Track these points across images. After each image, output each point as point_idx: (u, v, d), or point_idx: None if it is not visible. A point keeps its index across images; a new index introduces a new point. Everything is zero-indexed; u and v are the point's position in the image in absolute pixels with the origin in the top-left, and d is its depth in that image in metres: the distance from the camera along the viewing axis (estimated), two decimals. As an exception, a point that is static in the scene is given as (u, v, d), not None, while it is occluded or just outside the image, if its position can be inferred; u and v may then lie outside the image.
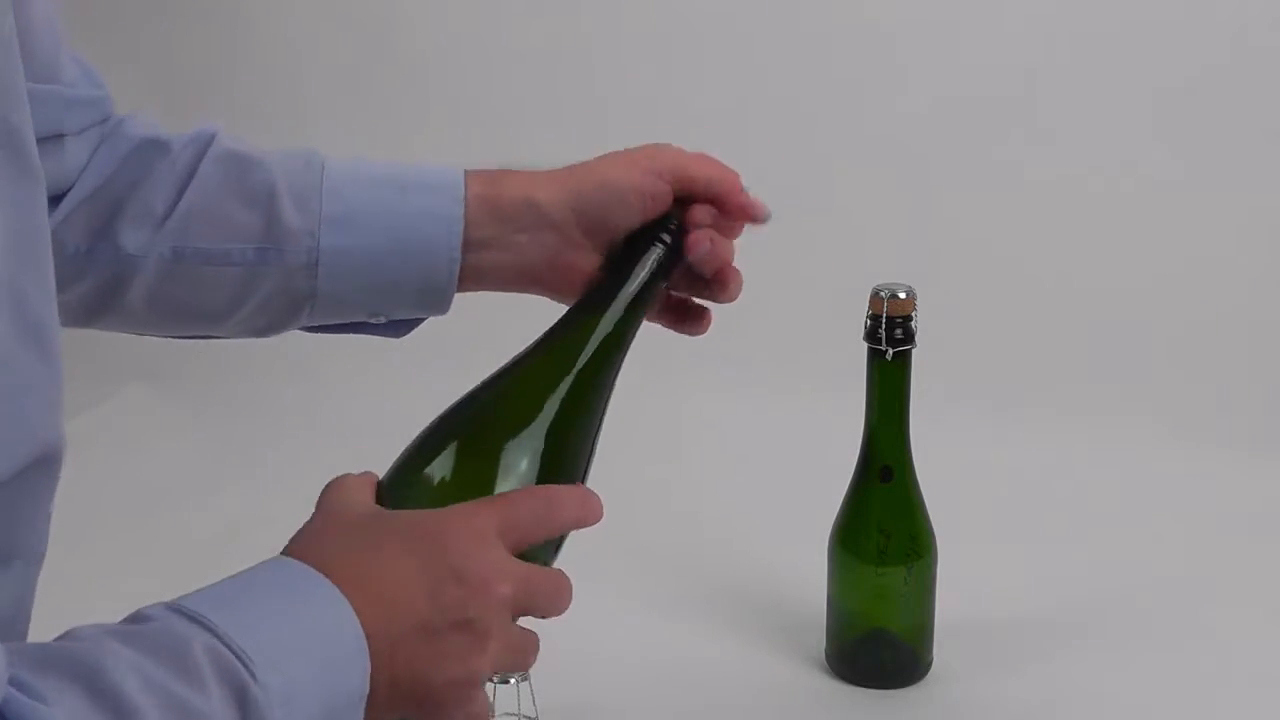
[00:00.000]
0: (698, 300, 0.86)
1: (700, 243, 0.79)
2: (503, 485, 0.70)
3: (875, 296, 0.96)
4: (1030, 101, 1.44)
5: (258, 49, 1.68)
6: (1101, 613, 1.11)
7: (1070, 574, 1.17)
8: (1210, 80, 1.39)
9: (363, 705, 0.60)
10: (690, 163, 0.81)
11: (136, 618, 0.57)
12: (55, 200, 0.79)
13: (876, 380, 0.98)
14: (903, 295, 0.95)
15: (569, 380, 0.73)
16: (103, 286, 0.81)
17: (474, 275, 0.82)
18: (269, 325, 0.84)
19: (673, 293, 0.85)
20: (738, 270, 0.82)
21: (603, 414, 0.75)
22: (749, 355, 1.46)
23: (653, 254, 0.78)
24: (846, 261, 1.34)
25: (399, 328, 0.86)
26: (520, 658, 0.67)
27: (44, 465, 0.58)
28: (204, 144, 0.82)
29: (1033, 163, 1.45)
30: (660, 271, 0.79)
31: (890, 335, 0.96)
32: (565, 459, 0.72)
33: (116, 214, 0.80)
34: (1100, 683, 1.02)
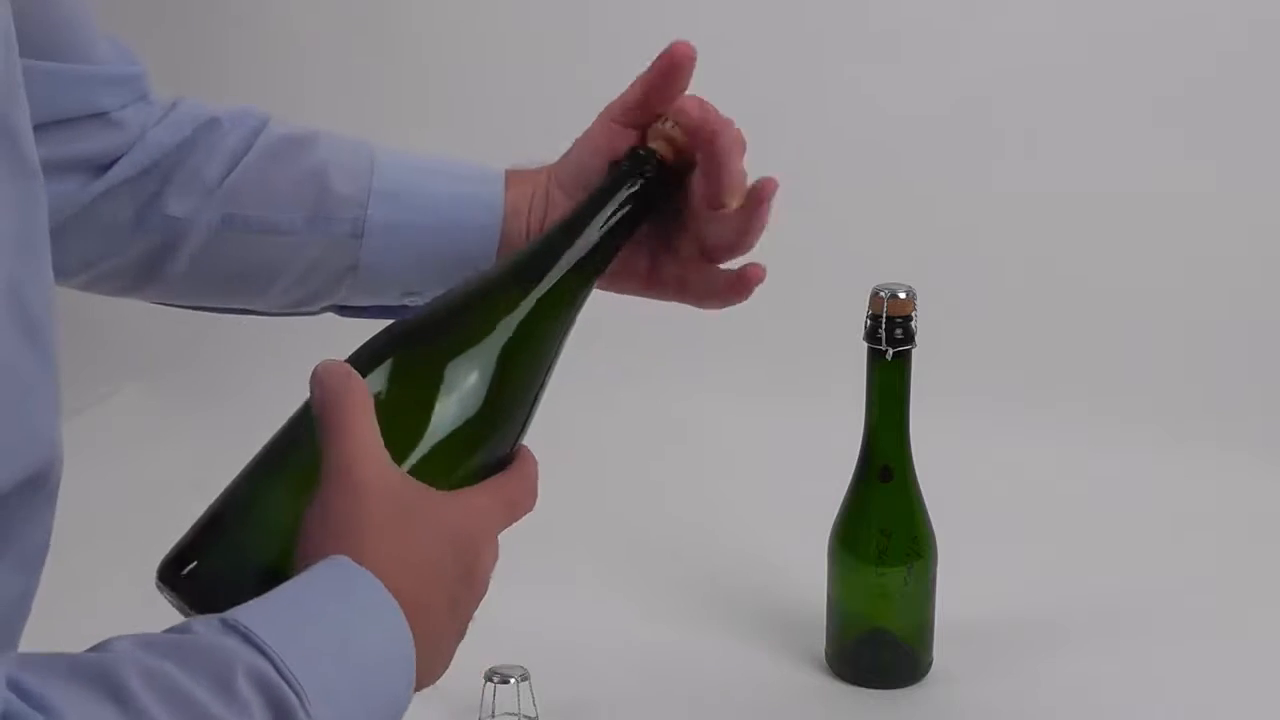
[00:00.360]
0: (724, 267, 0.81)
1: (689, 106, 0.78)
2: (442, 409, 0.67)
3: (875, 296, 0.96)
4: (1031, 102, 1.45)
5: (255, 47, 1.68)
6: (1101, 612, 1.11)
7: (1070, 574, 1.17)
8: (1212, 82, 1.39)
9: (403, 713, 0.60)
10: (622, 96, 0.83)
11: (185, 629, 0.56)
12: (101, 171, 0.80)
13: (876, 380, 0.98)
14: (903, 295, 0.95)
15: (531, 299, 0.71)
16: (150, 254, 0.82)
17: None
18: (306, 298, 0.85)
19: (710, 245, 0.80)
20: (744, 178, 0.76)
21: (559, 347, 0.72)
22: (749, 355, 1.46)
23: (631, 183, 0.75)
24: (846, 261, 1.34)
25: None
26: None
27: (44, 474, 0.58)
28: (254, 128, 0.84)
29: (1033, 163, 1.45)
30: (638, 202, 0.75)
31: (890, 335, 0.96)
32: (517, 383, 0.70)
33: (164, 186, 0.82)
34: (1100, 683, 1.02)
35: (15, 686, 0.49)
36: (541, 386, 0.72)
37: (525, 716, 0.93)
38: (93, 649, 0.54)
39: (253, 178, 0.82)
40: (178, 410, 1.55)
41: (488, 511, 0.66)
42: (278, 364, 1.54)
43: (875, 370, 0.98)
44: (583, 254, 0.73)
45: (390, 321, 0.84)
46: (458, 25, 1.61)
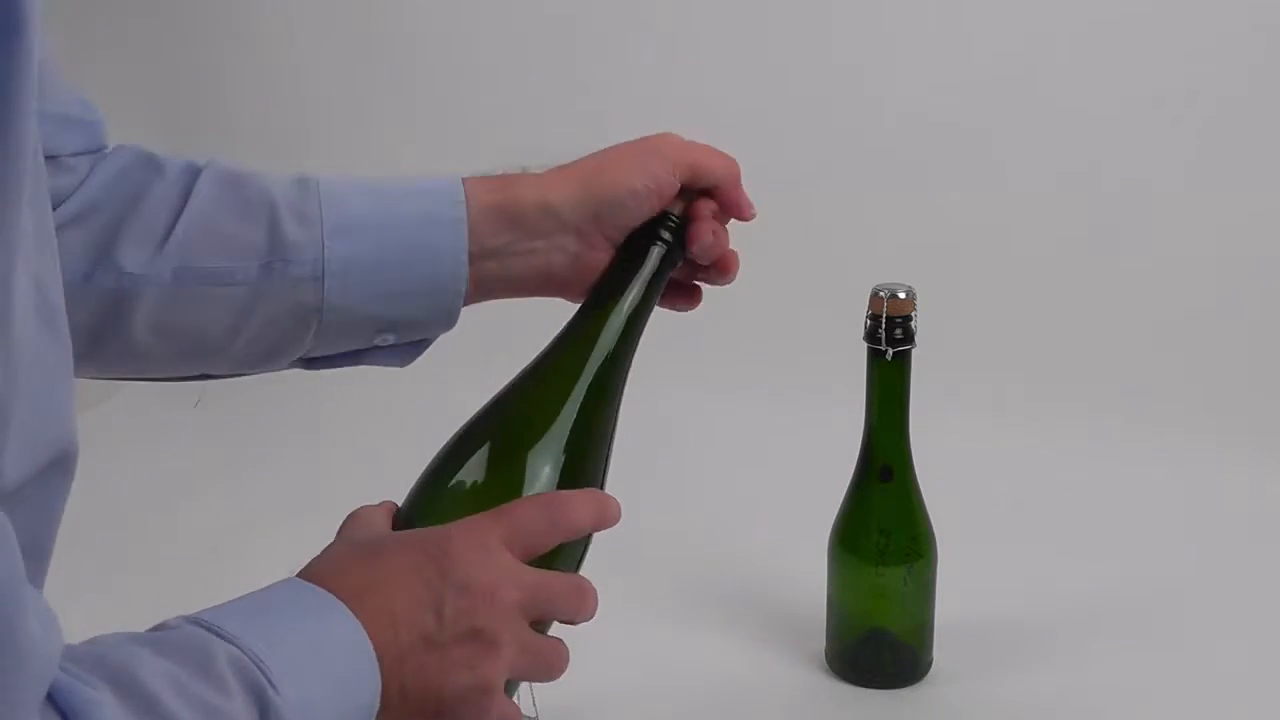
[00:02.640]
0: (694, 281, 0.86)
1: (704, 235, 0.80)
2: (532, 486, 0.71)
3: (875, 296, 0.96)
4: (1030, 101, 1.44)
5: (256, 55, 1.68)
6: (1101, 612, 1.11)
7: (1070, 574, 1.17)
8: (1213, 81, 1.39)
9: (373, 718, 0.61)
10: (696, 154, 0.81)
11: (159, 628, 0.58)
12: None
13: (876, 380, 0.98)
14: (903, 295, 0.95)
15: (580, 387, 0.73)
16: (103, 313, 0.78)
17: (493, 283, 0.81)
18: (273, 350, 0.81)
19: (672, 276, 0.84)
20: (735, 253, 0.84)
21: (616, 414, 0.75)
22: (749, 355, 1.46)
23: (655, 253, 0.79)
24: (846, 261, 1.34)
25: (404, 354, 0.83)
26: (543, 663, 0.68)
27: (65, 460, 0.59)
28: (198, 166, 0.80)
29: (1033, 162, 1.45)
30: (664, 268, 0.79)
31: (890, 335, 0.96)
32: (580, 463, 0.73)
33: (116, 234, 0.78)
34: (1100, 682, 1.02)
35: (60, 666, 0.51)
36: (608, 450, 0.75)
37: (525, 717, 0.93)
38: (84, 645, 0.55)
39: (199, 222, 0.78)
40: (178, 410, 1.55)
41: (477, 523, 0.67)
42: (278, 364, 1.55)
43: (875, 370, 0.98)
44: (636, 324, 0.77)
45: (359, 366, 0.84)
46: (455, 28, 1.61)
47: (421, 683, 0.63)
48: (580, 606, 0.69)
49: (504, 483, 0.71)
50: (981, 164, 1.46)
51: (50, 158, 0.75)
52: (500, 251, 0.80)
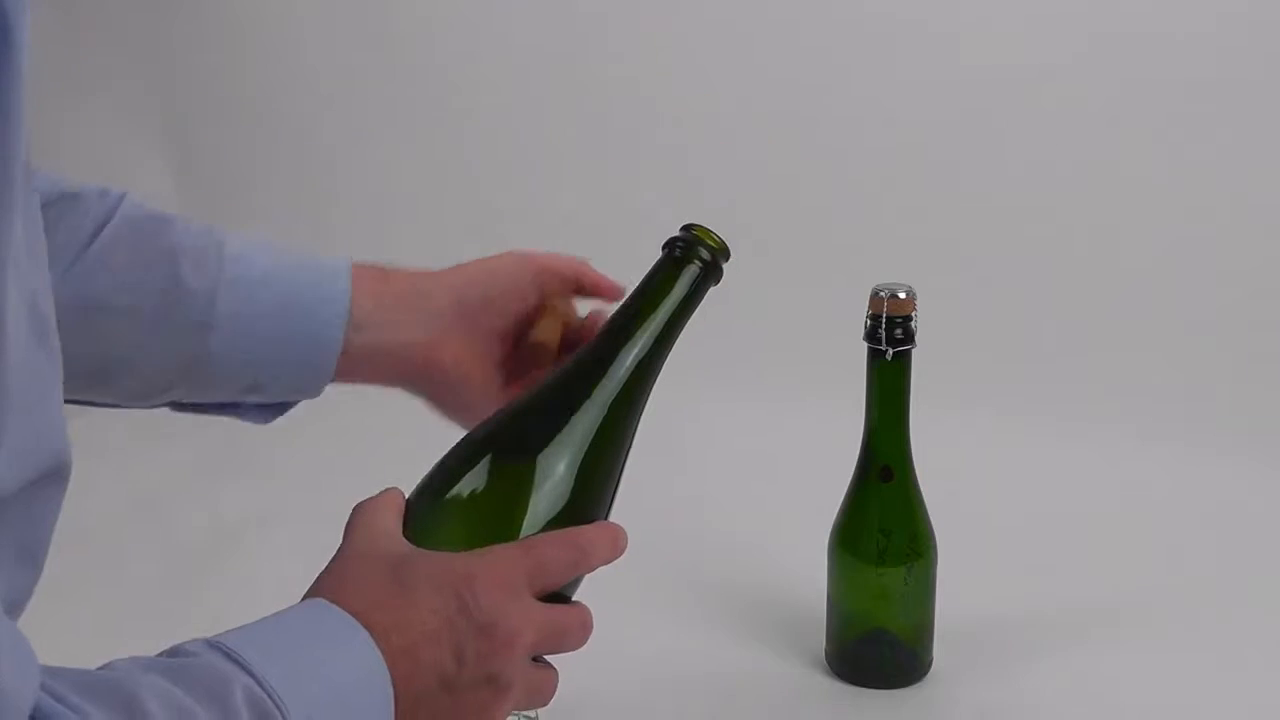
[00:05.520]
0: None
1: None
2: (534, 506, 0.70)
3: (875, 296, 0.96)
4: (1031, 102, 1.45)
5: (260, 50, 1.68)
6: (1101, 613, 1.11)
7: (1071, 574, 1.17)
8: (1210, 82, 1.39)
9: None
10: (545, 259, 0.89)
11: (176, 652, 0.59)
12: None
13: (876, 380, 0.98)
14: (903, 295, 0.95)
15: (604, 404, 0.73)
16: None
17: (360, 355, 0.85)
18: (150, 389, 0.85)
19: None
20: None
21: (633, 435, 0.75)
22: (749, 355, 1.46)
23: (690, 272, 0.77)
24: (846, 261, 1.34)
25: (266, 413, 0.89)
26: (540, 696, 0.70)
27: (58, 471, 0.59)
28: (114, 202, 0.84)
29: (1034, 162, 1.45)
30: (698, 289, 0.77)
31: (890, 335, 0.96)
32: (597, 481, 0.73)
33: None
34: (1100, 683, 1.02)
35: (48, 691, 0.51)
36: (619, 477, 0.75)
37: (525, 716, 0.93)
38: (99, 669, 0.56)
39: (104, 257, 0.82)
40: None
41: (504, 561, 0.67)
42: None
43: (875, 370, 0.98)
44: (665, 341, 0.78)
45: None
46: (461, 29, 1.61)
47: None
48: (582, 639, 0.71)
49: (511, 493, 0.71)
50: (982, 163, 1.46)
51: None
52: (368, 324, 0.85)
